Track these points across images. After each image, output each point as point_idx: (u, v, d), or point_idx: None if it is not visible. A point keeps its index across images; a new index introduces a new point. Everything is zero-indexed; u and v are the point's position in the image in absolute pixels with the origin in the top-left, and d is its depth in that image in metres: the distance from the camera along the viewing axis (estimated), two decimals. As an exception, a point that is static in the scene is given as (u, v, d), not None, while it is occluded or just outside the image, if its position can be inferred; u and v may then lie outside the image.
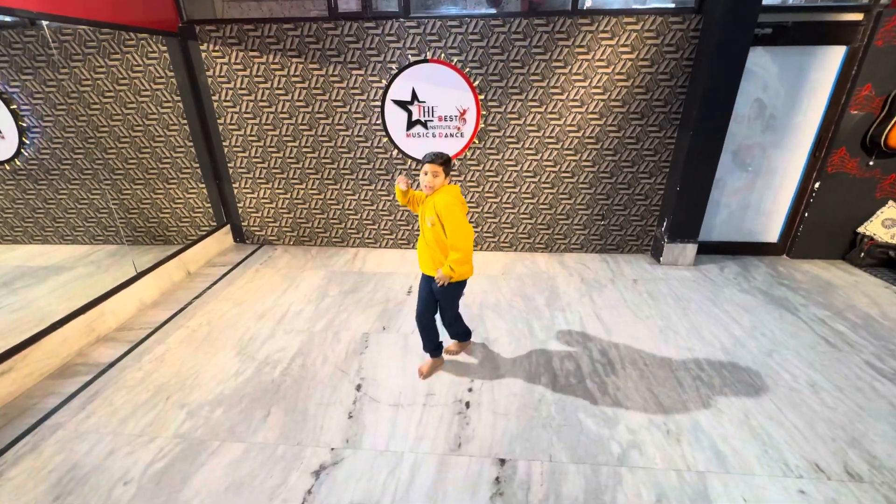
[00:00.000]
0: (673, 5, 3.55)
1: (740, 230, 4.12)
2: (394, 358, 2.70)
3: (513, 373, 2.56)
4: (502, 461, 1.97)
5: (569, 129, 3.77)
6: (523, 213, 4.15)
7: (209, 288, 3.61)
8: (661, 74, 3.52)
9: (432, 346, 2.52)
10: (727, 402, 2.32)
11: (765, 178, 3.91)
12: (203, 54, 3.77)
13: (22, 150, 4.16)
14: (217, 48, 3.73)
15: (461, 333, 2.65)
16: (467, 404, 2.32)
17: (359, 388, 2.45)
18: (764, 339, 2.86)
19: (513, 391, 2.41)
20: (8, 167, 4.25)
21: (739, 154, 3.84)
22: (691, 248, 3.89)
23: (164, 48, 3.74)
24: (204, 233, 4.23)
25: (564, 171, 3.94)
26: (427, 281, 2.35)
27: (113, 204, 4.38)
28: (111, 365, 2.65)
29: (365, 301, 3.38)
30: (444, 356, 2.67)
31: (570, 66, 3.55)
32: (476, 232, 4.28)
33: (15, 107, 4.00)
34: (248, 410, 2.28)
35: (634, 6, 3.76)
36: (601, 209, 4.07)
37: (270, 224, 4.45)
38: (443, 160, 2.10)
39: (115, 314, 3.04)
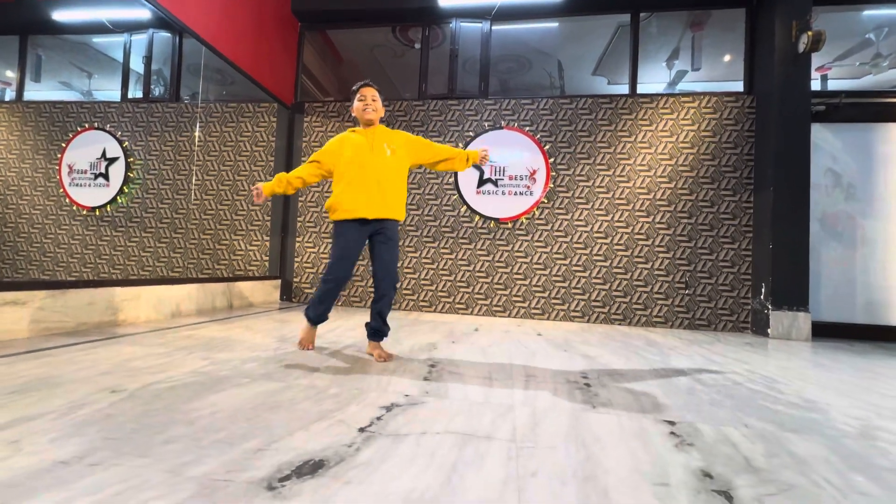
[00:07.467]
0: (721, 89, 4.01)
1: (852, 308, 3.56)
2: (472, 353, 2.11)
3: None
4: (671, 424, 1.27)
5: (639, 191, 3.81)
6: (596, 278, 3.82)
7: (252, 315, 3.23)
8: (726, 143, 3.72)
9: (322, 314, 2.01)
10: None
11: (864, 249, 3.59)
12: (305, 124, 4.37)
13: (117, 198, 4.50)
14: (318, 119, 4.35)
15: (385, 321, 1.99)
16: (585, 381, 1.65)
17: (433, 366, 1.84)
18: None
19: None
20: (98, 213, 4.53)
21: (827, 222, 3.65)
22: (804, 318, 3.31)
23: (275, 119, 4.39)
24: (256, 276, 4.05)
25: (638, 233, 3.79)
26: (364, 233, 1.94)
27: (176, 252, 4.40)
28: (128, 335, 2.18)
29: (428, 329, 2.88)
30: (376, 356, 1.90)
31: (635, 136, 3.84)
32: (543, 298, 3.89)
33: (132, 159, 4.53)
34: (289, 368, 1.69)
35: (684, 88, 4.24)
36: (683, 276, 3.71)
37: (323, 281, 4.24)
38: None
39: (148, 305, 2.67)
